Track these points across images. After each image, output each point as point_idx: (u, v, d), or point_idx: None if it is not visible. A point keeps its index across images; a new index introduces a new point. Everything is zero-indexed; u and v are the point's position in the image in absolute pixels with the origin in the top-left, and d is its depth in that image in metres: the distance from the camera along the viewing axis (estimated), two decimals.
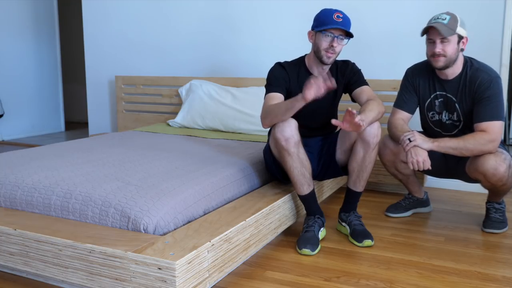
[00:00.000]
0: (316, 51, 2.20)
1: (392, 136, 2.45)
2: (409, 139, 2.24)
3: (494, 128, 2.21)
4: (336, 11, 2.14)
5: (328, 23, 2.11)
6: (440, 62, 2.26)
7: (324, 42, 2.15)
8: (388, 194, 3.15)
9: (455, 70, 2.32)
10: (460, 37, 2.25)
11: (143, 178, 1.99)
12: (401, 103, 2.49)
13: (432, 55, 2.28)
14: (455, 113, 2.38)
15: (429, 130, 2.53)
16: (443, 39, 2.22)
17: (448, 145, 2.24)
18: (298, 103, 1.95)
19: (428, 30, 2.27)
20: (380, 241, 2.28)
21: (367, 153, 2.18)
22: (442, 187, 3.29)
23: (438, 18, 2.24)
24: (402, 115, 2.47)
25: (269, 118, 2.09)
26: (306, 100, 1.90)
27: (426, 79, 2.44)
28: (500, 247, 2.22)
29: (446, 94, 2.38)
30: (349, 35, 2.16)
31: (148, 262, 1.42)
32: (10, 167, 2.16)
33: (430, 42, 2.29)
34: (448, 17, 2.22)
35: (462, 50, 2.29)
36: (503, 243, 2.28)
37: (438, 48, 2.24)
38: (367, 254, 2.13)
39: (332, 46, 2.14)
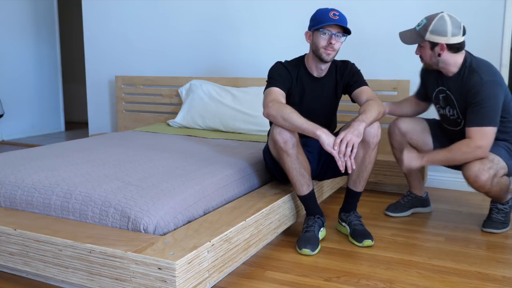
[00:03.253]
0: (314, 50, 2.20)
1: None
2: (401, 159, 2.39)
3: (481, 135, 2.19)
4: (332, 9, 2.14)
5: (325, 21, 2.12)
6: (422, 63, 2.40)
7: (322, 40, 2.15)
8: (388, 194, 3.15)
9: (450, 69, 2.32)
10: (434, 44, 2.25)
11: (143, 178, 1.99)
12: (415, 93, 2.68)
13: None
14: (455, 110, 2.38)
15: (441, 124, 2.56)
16: (419, 44, 2.32)
17: (437, 158, 2.31)
18: (310, 133, 1.97)
19: None
20: (380, 241, 2.28)
21: (367, 153, 2.18)
22: (442, 187, 3.29)
23: (418, 22, 2.32)
24: (412, 97, 2.69)
25: (281, 117, 2.02)
26: (321, 143, 1.96)
27: (433, 73, 2.45)
28: (500, 247, 2.22)
29: (446, 90, 2.39)
30: (346, 32, 2.16)
31: (148, 262, 1.42)
32: (10, 167, 2.16)
33: None
34: (423, 22, 2.28)
35: (439, 55, 2.27)
36: (503, 243, 2.28)
37: (417, 51, 2.36)
38: (367, 254, 2.13)
39: (330, 43, 2.14)
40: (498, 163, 2.24)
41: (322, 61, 2.20)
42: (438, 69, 2.35)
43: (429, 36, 2.24)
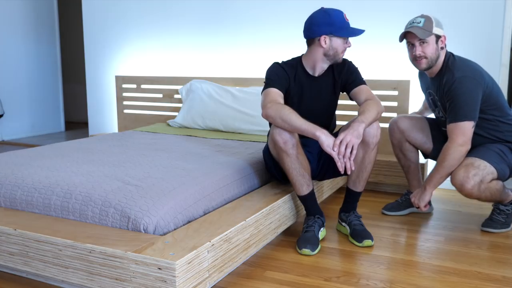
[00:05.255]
0: (332, 54, 2.20)
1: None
2: (413, 202, 2.42)
3: (458, 130, 2.21)
4: (340, 12, 2.17)
5: (350, 30, 2.16)
6: (423, 64, 2.31)
7: (342, 46, 2.20)
8: (388, 194, 3.15)
9: (436, 69, 2.34)
10: (438, 37, 2.28)
11: (143, 178, 1.99)
12: None
13: (414, 58, 2.33)
14: (441, 111, 2.40)
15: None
16: (422, 41, 2.27)
17: (436, 180, 2.31)
18: (309, 134, 1.97)
19: (406, 35, 2.32)
20: (380, 241, 2.28)
21: (366, 153, 2.18)
22: (442, 187, 3.29)
23: (413, 22, 2.29)
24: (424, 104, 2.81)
25: (280, 118, 2.01)
26: (321, 144, 1.95)
27: (424, 75, 2.48)
28: (500, 247, 2.22)
29: (432, 92, 2.42)
30: None
31: (148, 262, 1.42)
32: (10, 167, 2.16)
33: (410, 46, 2.34)
34: (422, 19, 2.27)
35: (442, 48, 2.30)
36: (503, 243, 2.28)
37: (418, 51, 2.29)
38: (367, 254, 2.13)
39: (348, 46, 2.23)
40: (484, 169, 2.22)
41: (336, 62, 2.26)
42: (431, 68, 2.34)
43: (435, 29, 2.25)
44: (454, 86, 2.21)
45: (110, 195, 1.80)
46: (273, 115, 2.04)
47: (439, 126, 2.55)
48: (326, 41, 2.19)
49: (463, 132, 2.20)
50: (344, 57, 2.33)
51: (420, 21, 2.27)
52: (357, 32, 2.17)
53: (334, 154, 1.93)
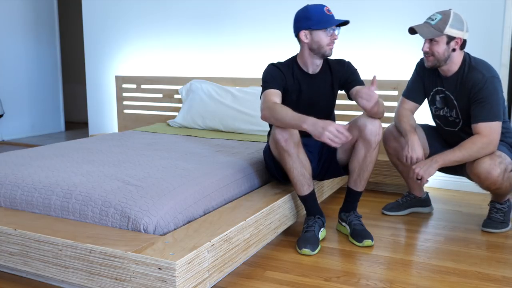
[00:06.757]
0: (316, 48, 2.20)
1: (397, 127, 2.50)
2: (417, 173, 2.24)
3: (490, 129, 2.21)
4: (322, 6, 2.17)
5: (328, 21, 2.14)
6: (429, 62, 2.31)
7: (326, 38, 2.17)
8: (388, 194, 3.15)
9: (451, 68, 2.32)
10: (451, 38, 2.24)
11: (143, 178, 1.99)
12: (408, 92, 2.53)
13: (424, 53, 2.33)
14: (454, 111, 2.38)
15: (436, 124, 2.55)
16: (431, 39, 2.25)
17: (452, 159, 2.23)
18: (298, 128, 1.97)
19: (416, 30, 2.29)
20: (380, 241, 2.28)
21: (368, 152, 2.18)
22: (442, 187, 3.29)
23: (429, 17, 2.28)
24: (409, 105, 2.50)
25: (273, 118, 2.04)
26: (315, 137, 1.93)
27: (432, 72, 2.44)
28: (500, 247, 2.22)
29: (445, 90, 2.38)
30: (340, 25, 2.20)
31: (148, 262, 1.42)
32: (10, 167, 2.16)
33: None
34: (439, 17, 2.23)
35: (454, 50, 2.26)
36: (503, 243, 2.28)
37: (425, 47, 2.28)
38: (367, 254, 2.13)
39: (334, 38, 2.19)
40: (505, 158, 2.25)
41: (324, 56, 2.23)
42: (441, 67, 2.33)
43: (448, 30, 2.21)
44: (486, 86, 2.21)
45: (110, 195, 1.80)
46: (268, 115, 2.06)
47: (434, 130, 2.54)
48: (307, 36, 2.21)
49: (495, 131, 2.21)
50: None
51: (435, 18, 2.24)
52: (334, 21, 2.14)
53: (327, 140, 1.90)
